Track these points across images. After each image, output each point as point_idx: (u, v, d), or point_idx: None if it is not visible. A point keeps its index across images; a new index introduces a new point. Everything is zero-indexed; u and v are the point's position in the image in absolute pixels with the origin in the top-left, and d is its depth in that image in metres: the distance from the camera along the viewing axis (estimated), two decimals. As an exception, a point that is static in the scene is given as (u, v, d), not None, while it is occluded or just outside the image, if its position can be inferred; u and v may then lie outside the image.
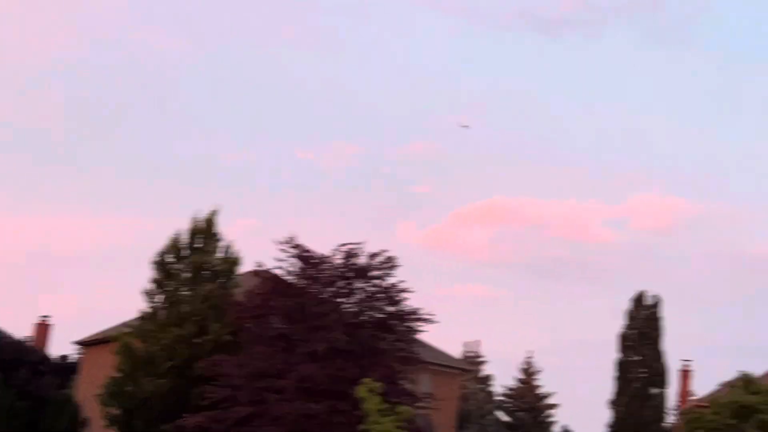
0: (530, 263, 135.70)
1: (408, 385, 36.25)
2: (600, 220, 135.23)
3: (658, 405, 70.87)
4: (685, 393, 64.40)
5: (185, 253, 35.83)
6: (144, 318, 35.40)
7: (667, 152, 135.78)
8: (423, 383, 47.34)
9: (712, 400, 42.98)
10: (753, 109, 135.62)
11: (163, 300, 35.42)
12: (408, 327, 35.34)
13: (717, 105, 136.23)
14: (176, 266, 35.74)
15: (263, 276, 35.21)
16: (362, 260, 34.99)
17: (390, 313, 35.14)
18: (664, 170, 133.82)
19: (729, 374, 58.52)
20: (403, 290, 35.21)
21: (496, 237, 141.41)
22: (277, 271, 35.11)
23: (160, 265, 35.65)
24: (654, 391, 71.14)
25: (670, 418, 73.82)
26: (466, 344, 78.08)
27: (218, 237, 36.26)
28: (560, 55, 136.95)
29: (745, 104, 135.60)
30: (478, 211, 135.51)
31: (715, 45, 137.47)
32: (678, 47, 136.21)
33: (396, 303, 35.10)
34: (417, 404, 34.88)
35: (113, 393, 34.54)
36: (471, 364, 73.05)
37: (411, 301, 35.43)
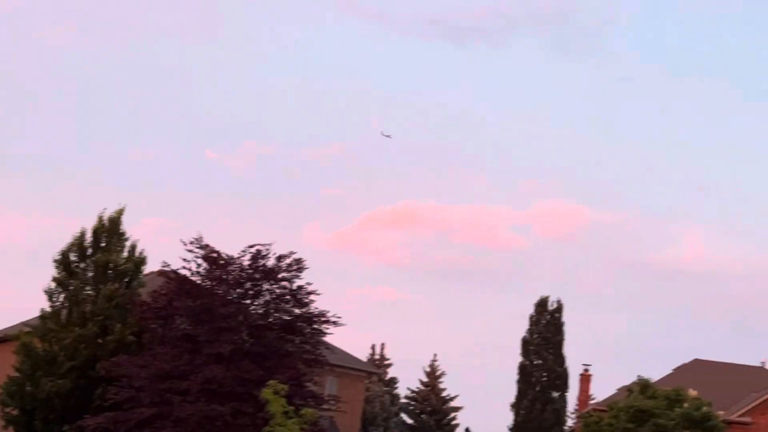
0: (437, 267, 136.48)
1: (313, 388, 36.02)
2: (505, 226, 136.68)
3: (558, 408, 71.87)
4: (584, 397, 65.31)
5: (89, 251, 35.00)
6: (45, 317, 34.49)
7: (572, 161, 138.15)
8: (328, 385, 47.15)
9: (610, 404, 43.73)
10: (656, 121, 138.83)
11: (65, 299, 34.57)
12: (315, 329, 35.21)
13: (622, 116, 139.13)
14: (80, 265, 34.93)
15: (169, 276, 34.66)
16: (270, 262, 34.71)
17: (297, 315, 34.97)
18: (568, 178, 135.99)
19: (627, 379, 59.58)
20: (311, 292, 35.04)
21: (405, 241, 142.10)
22: (184, 272, 34.62)
23: (63, 263, 34.79)
24: (555, 394, 72.17)
25: (570, 422, 74.98)
26: (372, 347, 78.33)
27: (124, 236, 35.54)
28: (469, 62, 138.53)
29: (646, 114, 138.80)
30: (386, 215, 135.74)
31: (621, 56, 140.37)
32: (584, 57, 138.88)
33: (303, 305, 34.93)
34: (322, 406, 34.80)
35: (12, 393, 33.54)
36: (376, 366, 73.09)
37: (318, 304, 35.33)
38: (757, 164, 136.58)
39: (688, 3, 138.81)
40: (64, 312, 34.26)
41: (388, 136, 64.69)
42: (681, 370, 58.33)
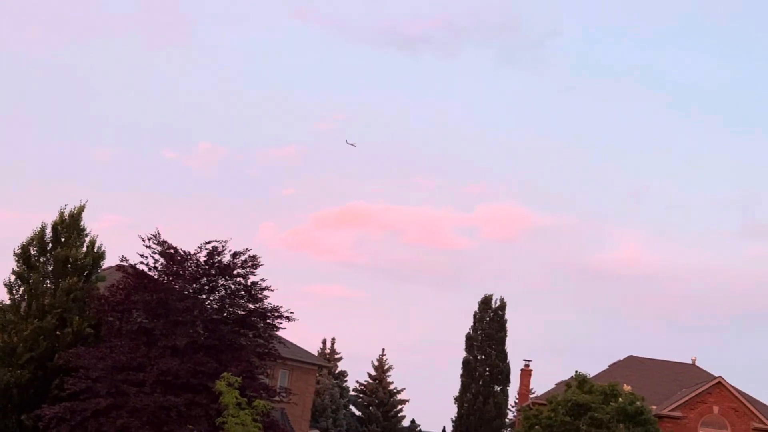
0: (386, 266, 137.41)
1: (266, 380, 36.53)
2: (452, 228, 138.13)
3: (500, 402, 73.01)
4: (525, 391, 66.25)
5: (49, 246, 35.12)
6: (5, 309, 34.49)
7: (516, 167, 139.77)
8: (280, 378, 47.80)
9: (549, 398, 44.23)
10: (597, 128, 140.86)
11: (24, 292, 34.56)
12: (268, 324, 35.51)
13: (563, 125, 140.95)
14: (40, 259, 34.99)
15: (127, 271, 34.83)
16: (226, 258, 34.99)
17: (251, 311, 35.25)
18: (512, 183, 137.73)
19: (565, 374, 60.75)
20: (265, 289, 35.39)
21: (355, 240, 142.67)
22: (141, 267, 34.79)
23: (24, 257, 34.81)
24: (497, 388, 73.29)
25: (511, 414, 76.17)
26: (322, 341, 78.84)
27: (83, 232, 35.67)
28: (419, 70, 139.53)
29: (586, 123, 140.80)
30: (339, 215, 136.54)
31: (564, 66, 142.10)
32: (529, 67, 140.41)
33: (257, 301, 35.24)
34: (274, 398, 35.19)
35: (-30, 383, 33.57)
36: (327, 360, 73.64)
37: (272, 299, 35.71)
38: (686, 172, 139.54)
39: (627, 18, 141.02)
40: (24, 304, 34.26)
41: (352, 144, 66.25)
42: (616, 367, 59.33)
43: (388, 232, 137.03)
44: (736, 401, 52.10)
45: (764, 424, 51.80)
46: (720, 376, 52.91)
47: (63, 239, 35.27)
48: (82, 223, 35.63)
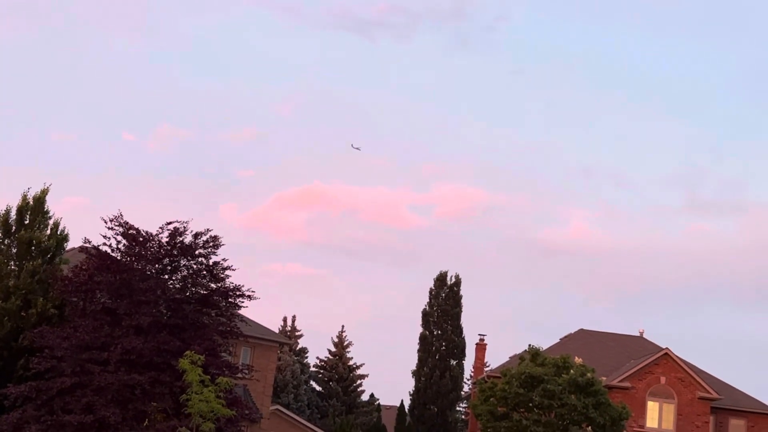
0: (344, 245, 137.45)
1: (228, 358, 36.34)
2: (407, 206, 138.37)
3: (456, 375, 73.25)
4: (480, 364, 66.61)
5: (13, 229, 34.58)
6: (-31, 291, 33.95)
7: (469, 147, 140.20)
8: (242, 355, 47.50)
9: (504, 371, 44.50)
10: (544, 108, 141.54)
11: (-12, 274, 34.04)
12: (230, 303, 35.27)
13: (514, 106, 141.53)
14: (4, 241, 34.45)
15: (90, 253, 34.38)
16: (187, 239, 34.65)
17: (213, 290, 34.97)
18: (465, 163, 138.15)
19: (519, 348, 61.02)
20: (226, 268, 35.09)
21: (314, 220, 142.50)
22: (104, 248, 34.36)
23: (-13, 240, 34.30)
24: (453, 362, 73.50)
25: (467, 387, 76.52)
26: (283, 319, 78.63)
27: (47, 214, 35.17)
28: (375, 54, 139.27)
29: (536, 104, 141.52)
30: (297, 195, 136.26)
31: (513, 49, 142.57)
32: (480, 51, 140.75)
33: (219, 280, 34.97)
34: (236, 375, 34.97)
35: (-66, 364, 33.01)
36: (287, 337, 73.46)
37: (233, 279, 35.43)
38: (632, 151, 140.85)
39: (573, 3, 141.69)
40: (-12, 286, 33.81)
41: (357, 148, 68.13)
42: (567, 340, 59.81)
43: (345, 211, 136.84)
44: (682, 372, 52.72)
45: (709, 393, 52.50)
46: (667, 348, 53.48)
47: (27, 222, 34.76)
48: (45, 206, 35.14)
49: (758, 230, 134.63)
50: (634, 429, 50.36)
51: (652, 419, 52.30)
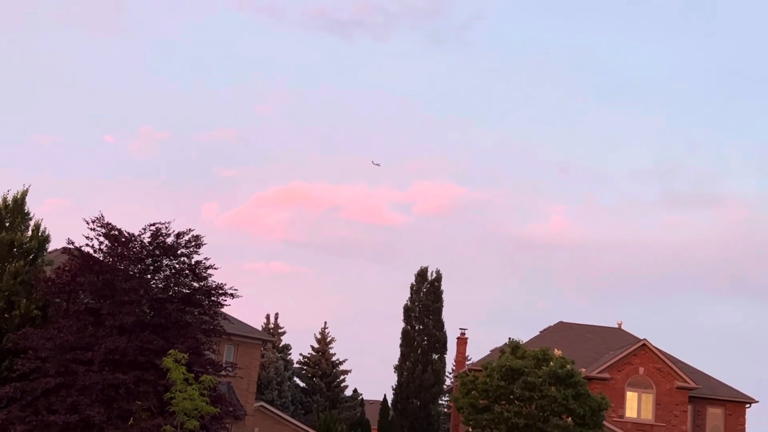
0: (326, 242, 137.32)
1: (212, 356, 36.23)
2: (388, 204, 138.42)
3: (438, 369, 73.28)
4: (461, 358, 66.63)
5: (-6, 230, 34.32)
6: (-49, 294, 33.68)
7: (448, 144, 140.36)
8: (226, 353, 47.36)
9: (485, 364, 44.40)
10: (521, 106, 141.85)
11: (-30, 276, 33.77)
12: (213, 301, 35.17)
13: (492, 103, 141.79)
14: (-15, 244, 34.19)
15: (73, 253, 34.20)
16: (169, 239, 34.50)
17: (196, 289, 34.89)
18: (444, 160, 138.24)
19: (499, 341, 61.12)
20: (209, 267, 34.99)
21: (296, 218, 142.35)
22: (87, 249, 34.15)
23: (-32, 242, 33.99)
24: (435, 356, 73.52)
25: (449, 381, 76.59)
26: (266, 317, 78.45)
27: (28, 216, 34.94)
28: (354, 54, 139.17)
29: (513, 102, 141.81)
30: (279, 195, 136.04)
31: (489, 48, 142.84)
32: (456, 50, 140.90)
33: (201, 279, 34.88)
34: (220, 373, 34.94)
35: None
36: (271, 335, 73.32)
37: (216, 278, 35.30)
38: (608, 147, 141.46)
39: (547, 2, 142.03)
40: (-30, 289, 33.54)
41: (377, 164, 71.13)
42: (547, 332, 59.81)
43: (326, 210, 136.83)
44: (660, 362, 52.89)
45: (687, 382, 52.72)
46: (645, 339, 53.65)
47: (7, 224, 34.49)
48: (26, 207, 34.90)
49: (732, 221, 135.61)
50: (614, 419, 50.50)
51: (631, 409, 52.46)
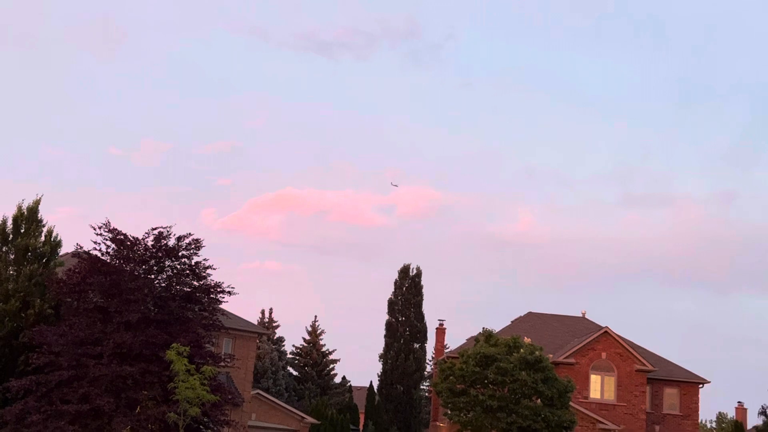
0: (316, 243, 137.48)
1: (211, 348, 36.23)
2: (372, 208, 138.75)
3: (419, 357, 73.45)
4: (440, 347, 66.81)
5: (11, 237, 34.21)
6: (-28, 295, 33.59)
7: (426, 153, 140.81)
8: (224, 346, 47.41)
9: (461, 352, 44.56)
10: (491, 117, 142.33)
11: (-11, 279, 33.69)
12: (211, 299, 35.10)
13: (465, 115, 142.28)
14: (2, 249, 34.06)
15: (82, 257, 34.15)
16: (171, 242, 34.43)
17: (196, 287, 34.79)
18: (423, 167, 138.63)
19: (474, 331, 61.26)
20: (208, 267, 34.86)
21: (287, 222, 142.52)
22: (95, 252, 34.09)
23: (-13, 248, 33.94)
24: (416, 345, 73.69)
25: (429, 368, 76.83)
26: (261, 311, 78.37)
27: (41, 223, 34.81)
28: (338, 72, 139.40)
29: (484, 113, 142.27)
30: (271, 200, 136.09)
31: (461, 65, 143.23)
32: (432, 67, 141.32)
33: (201, 278, 34.78)
34: (219, 364, 34.91)
35: (-56, 362, 32.66)
36: (266, 328, 73.28)
37: (214, 277, 35.20)
38: (571, 153, 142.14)
39: (514, 23, 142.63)
40: (-11, 290, 33.48)
41: (395, 185, 79.45)
42: (517, 322, 60.07)
43: (315, 213, 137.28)
44: (620, 347, 53.27)
45: (645, 365, 53.14)
46: (606, 327, 54.01)
47: (23, 230, 34.38)
48: (39, 215, 34.76)
49: (684, 219, 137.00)
50: (579, 400, 50.85)
51: (595, 391, 52.82)
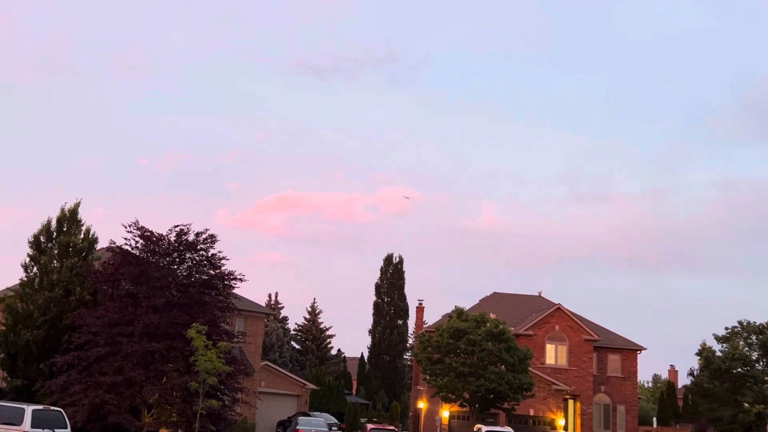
0: (313, 237, 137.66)
1: (226, 327, 36.32)
2: (361, 206, 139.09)
3: (402, 332, 73.84)
4: (419, 323, 67.02)
5: (54, 234, 34.29)
6: (23, 284, 33.67)
7: (406, 159, 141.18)
8: (237, 325, 47.53)
9: (437, 327, 44.84)
10: (461, 127, 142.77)
11: (37, 270, 33.74)
12: (226, 285, 35.05)
13: (438, 128, 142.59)
14: (48, 245, 34.15)
15: (115, 251, 34.16)
16: (191, 237, 34.39)
17: (212, 275, 34.71)
18: (404, 171, 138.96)
19: (448, 309, 61.46)
20: (222, 258, 34.81)
21: (289, 219, 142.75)
22: (126, 247, 34.13)
23: (35, 244, 33.92)
24: (399, 322, 74.07)
25: (410, 341, 77.21)
26: (268, 295, 78.50)
27: (80, 222, 34.88)
28: (330, 92, 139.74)
29: (454, 124, 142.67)
30: (275, 202, 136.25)
31: (436, 85, 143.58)
32: (410, 87, 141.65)
33: (217, 268, 34.69)
34: (233, 340, 35.00)
35: (0, 342, 32.76)
36: (272, 309, 73.46)
37: (228, 266, 35.19)
38: (527, 157, 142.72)
39: (481, 46, 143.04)
40: (37, 280, 33.45)
41: (407, 198, 72.29)
42: (484, 301, 60.22)
43: (313, 212, 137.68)
44: (571, 321, 53.63)
45: (592, 336, 53.54)
46: (559, 304, 54.38)
47: (65, 229, 34.46)
48: (78, 216, 34.82)
49: (621, 214, 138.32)
50: (537, 366, 51.21)
51: (550, 358, 53.18)
